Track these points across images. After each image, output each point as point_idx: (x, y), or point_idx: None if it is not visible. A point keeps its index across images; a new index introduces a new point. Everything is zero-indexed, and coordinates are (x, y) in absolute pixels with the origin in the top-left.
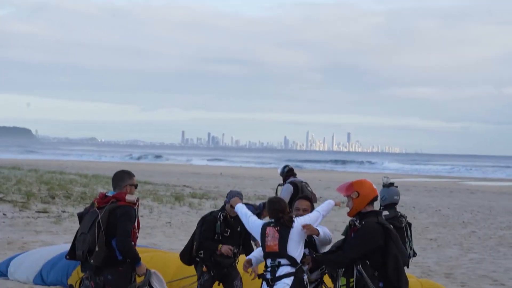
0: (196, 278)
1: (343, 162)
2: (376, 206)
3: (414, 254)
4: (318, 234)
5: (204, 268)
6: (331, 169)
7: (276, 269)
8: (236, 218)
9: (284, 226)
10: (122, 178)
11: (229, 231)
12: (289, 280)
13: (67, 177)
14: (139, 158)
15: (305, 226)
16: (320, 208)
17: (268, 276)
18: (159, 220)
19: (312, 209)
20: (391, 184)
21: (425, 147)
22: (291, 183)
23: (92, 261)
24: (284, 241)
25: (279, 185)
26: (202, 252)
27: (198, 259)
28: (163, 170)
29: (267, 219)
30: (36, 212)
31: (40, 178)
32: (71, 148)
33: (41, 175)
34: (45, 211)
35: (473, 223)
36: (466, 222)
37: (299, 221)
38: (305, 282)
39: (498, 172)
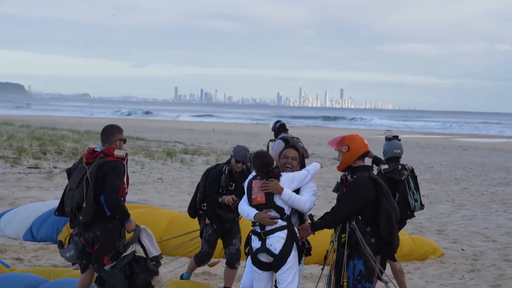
0: (187, 237)
1: (334, 118)
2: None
3: (422, 207)
4: (280, 192)
5: (207, 221)
6: (321, 126)
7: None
8: (241, 173)
9: (271, 177)
10: (112, 132)
11: (233, 185)
12: (283, 234)
13: (59, 133)
14: (129, 114)
15: (268, 183)
16: (309, 168)
17: (258, 229)
18: (151, 176)
19: (303, 165)
20: (395, 137)
21: (418, 103)
22: (282, 138)
23: (80, 217)
24: (271, 192)
25: (271, 140)
26: (205, 204)
27: (201, 212)
28: (156, 126)
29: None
30: (28, 167)
31: (32, 134)
32: (63, 104)
33: (32, 131)
34: (36, 167)
35: (465, 179)
36: (459, 179)
37: (286, 176)
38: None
39: (491, 128)
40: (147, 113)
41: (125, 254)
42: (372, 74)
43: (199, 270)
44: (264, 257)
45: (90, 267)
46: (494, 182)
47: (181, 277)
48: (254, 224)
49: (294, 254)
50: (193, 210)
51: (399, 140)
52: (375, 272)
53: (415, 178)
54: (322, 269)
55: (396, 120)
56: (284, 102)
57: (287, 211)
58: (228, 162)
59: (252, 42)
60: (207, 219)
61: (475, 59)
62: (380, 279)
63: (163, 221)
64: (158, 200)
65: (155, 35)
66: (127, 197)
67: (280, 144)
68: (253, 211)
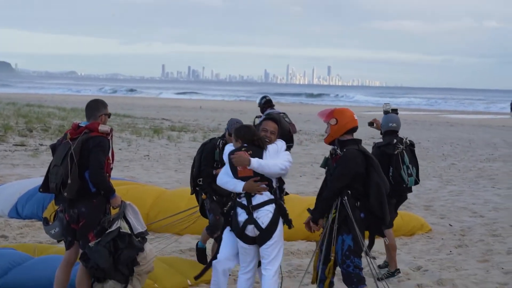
0: (182, 215)
1: (318, 95)
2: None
3: (417, 182)
4: (248, 164)
5: (204, 196)
6: (308, 103)
7: (252, 194)
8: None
9: (256, 148)
10: (97, 107)
11: None
12: (271, 207)
13: (45, 110)
14: (114, 92)
15: (234, 156)
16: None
17: (245, 202)
18: (137, 153)
19: (291, 140)
20: (394, 110)
21: (406, 80)
22: (268, 115)
23: (65, 193)
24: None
25: (257, 117)
26: (201, 179)
27: (197, 188)
28: (143, 104)
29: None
30: (14, 145)
31: (18, 111)
32: (50, 82)
33: (19, 108)
34: (22, 144)
35: (452, 155)
36: (446, 155)
37: (271, 147)
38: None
39: (478, 105)
40: (131, 90)
41: (110, 230)
42: (360, 51)
43: (186, 246)
44: (251, 230)
45: (75, 244)
46: (481, 158)
47: (197, 246)
48: (239, 196)
49: (280, 229)
50: (192, 186)
51: (397, 113)
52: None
53: (412, 153)
54: (317, 245)
55: (382, 97)
56: (271, 80)
57: (274, 184)
58: (223, 136)
59: (239, 19)
60: (203, 194)
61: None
62: (367, 254)
63: (149, 198)
64: (145, 177)
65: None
66: (113, 174)
67: None
68: (240, 182)
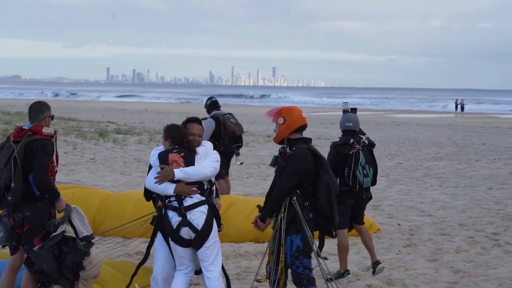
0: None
1: (257, 97)
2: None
3: (373, 183)
4: (173, 176)
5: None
6: (235, 104)
7: (182, 197)
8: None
9: (188, 151)
10: (40, 110)
11: None
12: (203, 208)
13: None
14: (56, 95)
15: (159, 173)
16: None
17: (176, 204)
18: (83, 157)
19: (240, 141)
20: (353, 110)
21: (350, 80)
22: (212, 117)
23: (9, 197)
24: (189, 165)
25: (203, 119)
26: None
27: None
28: (88, 107)
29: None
30: None
31: None
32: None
33: None
34: None
35: (399, 154)
36: (393, 154)
37: (200, 150)
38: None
39: (423, 104)
40: (73, 94)
41: (54, 234)
42: (305, 52)
43: (133, 249)
44: (185, 233)
45: (20, 249)
46: (428, 157)
47: None
48: (169, 200)
49: (215, 229)
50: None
51: (355, 113)
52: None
53: (370, 153)
54: (268, 247)
55: (329, 97)
56: (216, 81)
57: (206, 185)
58: None
59: (183, 21)
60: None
61: (406, 36)
62: (318, 255)
63: (96, 201)
64: (91, 180)
65: (86, 15)
66: (59, 178)
67: (210, 123)
68: (171, 185)
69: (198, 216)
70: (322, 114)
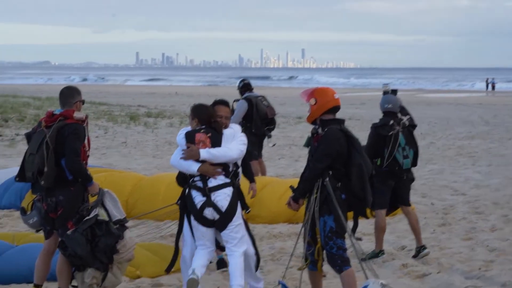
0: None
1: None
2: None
3: (413, 164)
4: (198, 156)
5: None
6: (279, 86)
7: (207, 177)
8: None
9: (215, 131)
10: (71, 94)
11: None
12: (228, 191)
13: (20, 100)
14: (84, 80)
15: (185, 152)
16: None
17: (200, 184)
18: (114, 140)
19: (271, 123)
20: (394, 91)
21: (380, 61)
22: (245, 99)
23: (42, 182)
24: (217, 147)
25: (235, 101)
26: None
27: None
28: (118, 91)
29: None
30: None
31: None
32: (24, 72)
33: None
34: None
35: (431, 134)
36: (424, 134)
37: (227, 131)
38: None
39: (454, 84)
40: (101, 78)
41: (87, 217)
42: (333, 33)
43: (167, 232)
44: (209, 213)
45: (54, 233)
46: (460, 136)
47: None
48: (193, 180)
49: (239, 212)
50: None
51: (395, 94)
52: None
53: (410, 134)
54: (301, 229)
55: (357, 78)
56: (246, 64)
57: (231, 168)
58: None
59: (212, 5)
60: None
61: (434, 15)
62: (352, 235)
63: (128, 184)
64: (123, 163)
65: (114, 0)
66: (91, 162)
67: (243, 104)
68: (195, 163)
69: (222, 198)
70: (352, 95)
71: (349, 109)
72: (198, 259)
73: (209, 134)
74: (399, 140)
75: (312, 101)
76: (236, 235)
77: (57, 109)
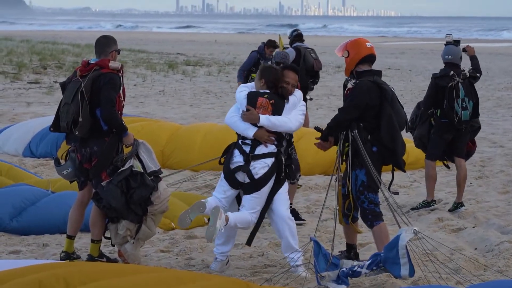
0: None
1: (294, 25)
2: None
3: (474, 116)
4: (258, 121)
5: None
6: (318, 35)
7: (258, 144)
8: None
9: (279, 99)
10: (107, 43)
11: None
12: (269, 161)
13: (60, 47)
14: (118, 26)
15: (244, 114)
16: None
17: (247, 149)
18: (152, 89)
19: (316, 76)
20: (456, 42)
21: (421, 9)
22: (294, 48)
23: (76, 132)
24: (276, 114)
25: (284, 48)
26: None
27: None
28: (158, 38)
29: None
30: (28, 83)
31: (32, 49)
32: (64, 18)
33: (33, 46)
34: (36, 82)
35: None
36: None
37: (292, 99)
38: (283, 163)
39: (495, 33)
40: (133, 27)
41: (122, 169)
42: None
43: (202, 183)
44: (241, 176)
45: (88, 184)
46: (499, 86)
47: None
48: (244, 141)
49: (269, 185)
50: None
51: (457, 45)
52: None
53: (471, 85)
54: (330, 180)
55: (387, 27)
56: (286, 12)
57: (286, 136)
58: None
59: None
60: None
61: None
62: (387, 189)
63: (164, 134)
64: (160, 112)
65: None
66: (128, 110)
67: (291, 52)
68: (252, 127)
69: (261, 167)
70: (393, 44)
71: (388, 58)
72: (213, 202)
73: (272, 101)
74: (459, 92)
75: (345, 53)
76: (255, 205)
77: (92, 58)
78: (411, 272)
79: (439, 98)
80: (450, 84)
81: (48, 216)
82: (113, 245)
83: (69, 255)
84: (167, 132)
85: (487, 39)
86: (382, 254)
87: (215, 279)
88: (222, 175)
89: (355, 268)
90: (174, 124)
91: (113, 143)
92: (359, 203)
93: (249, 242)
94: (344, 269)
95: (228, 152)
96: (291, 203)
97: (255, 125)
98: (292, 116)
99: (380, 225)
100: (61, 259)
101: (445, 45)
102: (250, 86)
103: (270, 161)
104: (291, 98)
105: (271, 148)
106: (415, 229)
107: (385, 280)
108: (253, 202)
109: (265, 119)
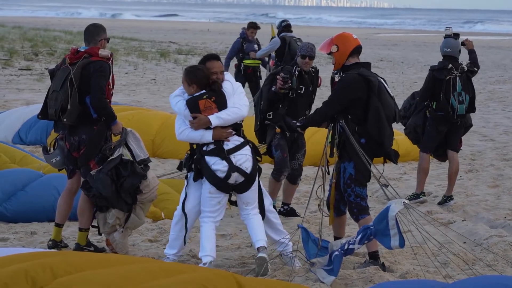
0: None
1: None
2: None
3: (470, 110)
4: (210, 123)
5: (278, 129)
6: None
7: (221, 142)
8: (309, 74)
9: (218, 94)
10: (97, 32)
11: (303, 88)
12: (247, 151)
13: (52, 34)
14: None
15: (194, 122)
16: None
17: (216, 151)
18: (144, 77)
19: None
20: (456, 35)
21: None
22: (280, 37)
23: (65, 119)
24: (223, 108)
25: (272, 37)
26: (271, 113)
27: (267, 122)
28: (150, 27)
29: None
30: (19, 69)
31: (24, 35)
32: (56, 5)
33: (24, 32)
34: (28, 69)
35: None
36: None
37: (227, 87)
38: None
39: (486, 26)
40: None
41: (111, 157)
42: None
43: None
44: (233, 179)
45: (77, 173)
46: (491, 80)
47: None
48: (205, 148)
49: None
50: (260, 121)
51: (456, 38)
52: (369, 174)
53: (468, 80)
54: (317, 172)
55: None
56: (279, 2)
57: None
58: (295, 63)
59: None
60: (277, 127)
61: None
62: (377, 181)
63: (155, 123)
64: (151, 101)
65: None
66: (119, 99)
67: (276, 41)
68: (208, 132)
69: (245, 160)
70: (386, 36)
71: (381, 50)
72: (208, 239)
73: (213, 99)
74: (456, 85)
75: (334, 48)
76: (255, 195)
77: (81, 46)
78: (401, 243)
79: (436, 91)
80: (448, 77)
81: (38, 202)
82: (100, 234)
83: (56, 244)
84: (158, 121)
85: (478, 31)
86: (372, 227)
87: (202, 271)
88: (205, 193)
89: (346, 246)
90: (165, 113)
91: (102, 131)
92: (346, 196)
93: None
94: (336, 252)
95: (193, 168)
96: (289, 203)
97: (208, 128)
98: (237, 102)
99: (366, 219)
100: (48, 248)
101: (444, 38)
102: (180, 92)
103: (247, 151)
104: (225, 84)
105: (236, 138)
106: (404, 201)
107: (373, 273)
108: (254, 195)
109: (216, 119)
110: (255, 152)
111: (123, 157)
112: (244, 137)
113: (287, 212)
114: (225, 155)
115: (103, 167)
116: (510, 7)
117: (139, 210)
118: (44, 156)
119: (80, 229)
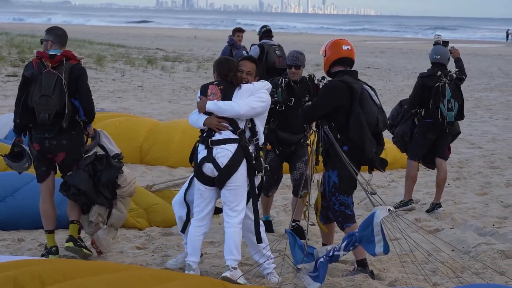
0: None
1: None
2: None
3: (459, 117)
4: (204, 107)
5: (268, 146)
6: (286, 32)
7: (213, 132)
8: (302, 83)
9: (228, 84)
10: (66, 35)
11: (293, 100)
12: (231, 147)
13: (38, 40)
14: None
15: (197, 102)
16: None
17: (208, 140)
18: (131, 84)
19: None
20: (445, 43)
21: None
22: (259, 45)
23: (64, 124)
24: (226, 100)
25: (252, 45)
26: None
27: None
28: (137, 33)
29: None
30: (6, 76)
31: (11, 42)
32: (43, 11)
33: (11, 38)
34: (15, 75)
35: None
36: None
37: (245, 87)
38: (251, 152)
39: (471, 33)
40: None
41: (87, 155)
42: None
43: (182, 179)
44: (208, 169)
45: (51, 174)
46: (478, 87)
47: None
48: (202, 132)
49: (242, 173)
50: None
51: (446, 46)
52: (354, 182)
53: (457, 87)
54: (304, 179)
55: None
56: (266, 9)
57: (241, 124)
58: (285, 74)
59: None
60: (268, 144)
61: None
62: (364, 189)
63: (142, 130)
64: (138, 108)
65: None
66: (106, 105)
67: (255, 50)
68: (203, 117)
69: (224, 154)
70: (373, 43)
71: (368, 57)
72: (194, 246)
73: (221, 87)
74: (446, 92)
75: (323, 53)
76: (234, 198)
77: (51, 50)
78: (386, 250)
79: (425, 98)
80: (437, 84)
81: (26, 208)
82: (79, 240)
83: (57, 249)
84: (145, 128)
85: (464, 39)
86: (357, 233)
87: (192, 279)
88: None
89: (332, 253)
90: (153, 120)
91: (80, 134)
92: (330, 204)
93: (259, 241)
94: (322, 258)
95: (193, 152)
96: (298, 220)
97: (207, 114)
98: (244, 101)
99: (352, 227)
100: (53, 254)
101: (434, 45)
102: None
103: (232, 147)
104: (245, 85)
105: (228, 134)
106: (389, 208)
107: (362, 280)
108: (231, 196)
109: (212, 104)
110: (243, 154)
111: (97, 154)
112: (242, 138)
113: (294, 229)
114: (207, 144)
115: (79, 164)
116: (492, 15)
117: (120, 205)
118: (12, 165)
119: (72, 221)
